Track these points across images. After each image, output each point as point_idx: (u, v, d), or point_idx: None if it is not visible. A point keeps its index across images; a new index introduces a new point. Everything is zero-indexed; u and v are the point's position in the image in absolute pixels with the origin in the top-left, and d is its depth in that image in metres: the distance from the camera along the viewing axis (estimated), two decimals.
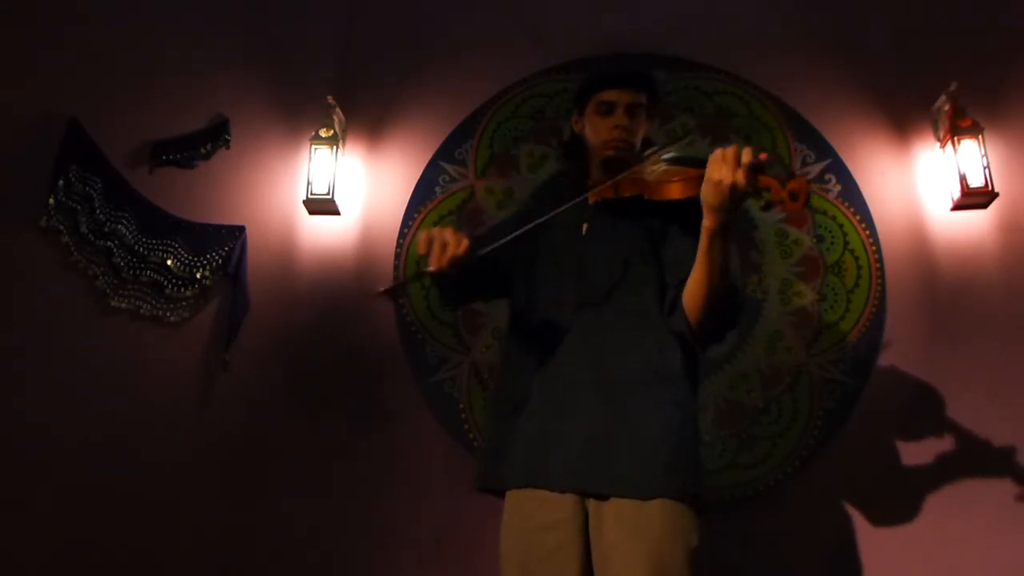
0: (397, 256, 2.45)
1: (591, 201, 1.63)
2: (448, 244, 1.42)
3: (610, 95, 1.64)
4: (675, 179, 1.49)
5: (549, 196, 1.71)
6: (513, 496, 1.53)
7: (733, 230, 1.39)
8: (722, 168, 1.33)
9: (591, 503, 1.45)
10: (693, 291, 1.45)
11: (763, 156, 1.36)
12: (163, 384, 2.37)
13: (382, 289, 1.59)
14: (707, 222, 1.38)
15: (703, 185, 1.37)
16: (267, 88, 2.63)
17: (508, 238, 1.52)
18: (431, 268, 1.42)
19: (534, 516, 1.47)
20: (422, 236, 1.45)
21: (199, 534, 2.27)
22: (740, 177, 1.32)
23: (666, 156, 1.57)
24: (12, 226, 2.50)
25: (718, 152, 1.35)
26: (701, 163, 1.46)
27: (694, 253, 1.45)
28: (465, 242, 1.43)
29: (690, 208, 1.52)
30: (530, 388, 1.56)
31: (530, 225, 1.54)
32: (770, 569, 2.19)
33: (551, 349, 1.56)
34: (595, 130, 1.66)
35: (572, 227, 1.66)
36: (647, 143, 1.71)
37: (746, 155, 1.33)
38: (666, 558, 1.37)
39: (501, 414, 1.60)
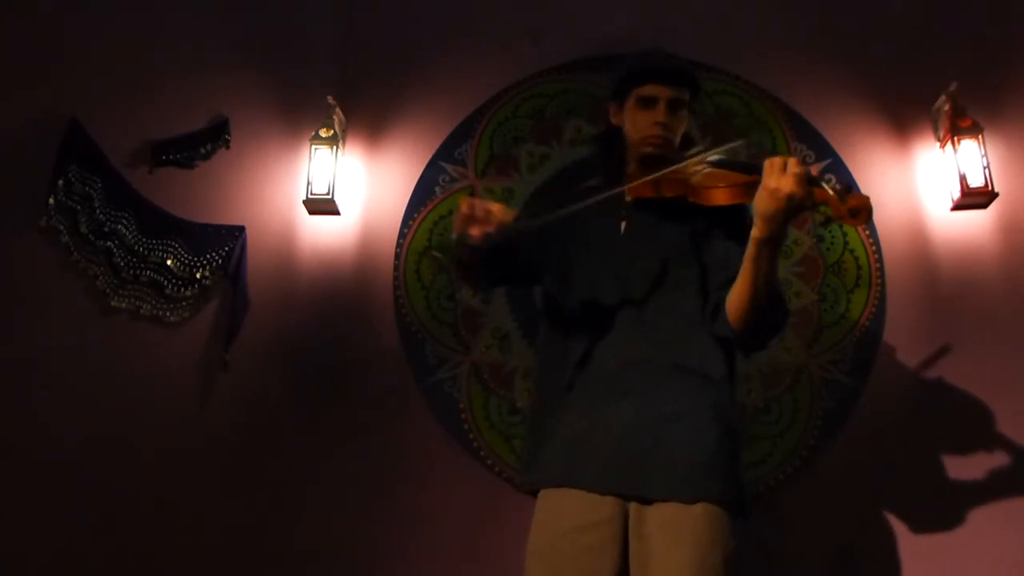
0: (397, 256, 2.45)
1: (629, 198, 1.61)
2: (493, 212, 1.41)
3: (652, 90, 1.61)
4: (721, 184, 1.47)
5: (579, 184, 1.69)
6: (549, 495, 1.50)
7: (781, 242, 1.38)
8: (779, 177, 1.32)
9: (632, 505, 1.44)
10: (737, 298, 1.44)
11: (814, 171, 1.35)
12: (163, 384, 2.37)
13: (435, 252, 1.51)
14: (757, 232, 1.36)
15: (759, 193, 1.35)
16: (267, 88, 2.63)
17: (552, 216, 1.50)
18: (476, 233, 1.40)
19: (571, 516, 1.46)
20: (463, 204, 1.43)
21: (199, 534, 2.27)
22: (798, 188, 1.30)
23: (711, 159, 1.54)
24: (12, 226, 2.50)
25: (774, 160, 1.34)
26: (746, 168, 1.46)
27: (737, 258, 1.44)
28: (512, 212, 1.43)
29: (732, 212, 1.53)
30: (569, 387, 1.55)
31: (571, 208, 1.51)
32: (770, 569, 2.19)
33: (590, 348, 1.54)
34: (635, 124, 1.64)
35: (609, 223, 1.64)
36: (687, 141, 1.68)
37: (801, 167, 1.32)
38: (707, 563, 1.37)
39: (542, 415, 1.58)
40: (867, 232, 2.38)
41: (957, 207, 2.39)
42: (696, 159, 1.55)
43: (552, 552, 1.45)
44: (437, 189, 2.50)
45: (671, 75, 1.63)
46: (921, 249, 2.39)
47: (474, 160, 2.53)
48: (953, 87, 2.37)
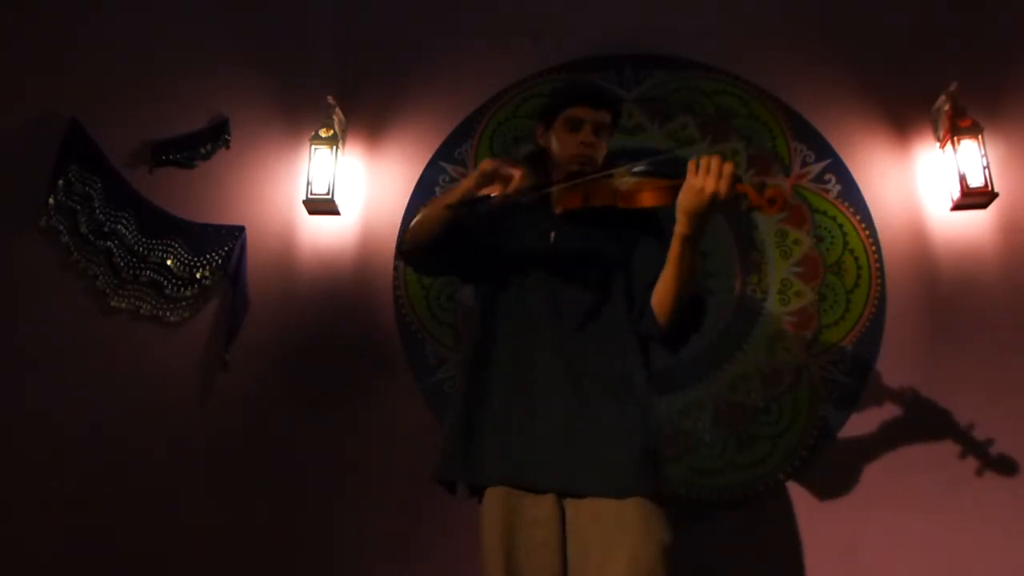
0: (397, 256, 2.45)
1: (558, 211, 1.71)
2: (515, 175, 1.49)
3: (579, 112, 1.71)
4: (647, 188, 1.55)
5: (520, 207, 1.75)
6: (495, 492, 1.55)
7: (702, 238, 1.47)
8: (704, 177, 1.41)
9: (568, 502, 1.51)
10: (663, 295, 1.54)
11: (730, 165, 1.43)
12: (163, 384, 2.37)
13: (453, 202, 1.56)
14: (681, 228, 1.46)
15: (682, 192, 1.44)
16: (267, 88, 2.63)
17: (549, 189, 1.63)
18: (509, 190, 1.49)
19: (521, 512, 1.51)
20: (487, 164, 1.51)
21: (199, 533, 2.27)
22: (722, 186, 1.40)
23: (636, 170, 1.63)
24: (12, 226, 2.50)
25: (700, 160, 1.42)
26: (668, 174, 1.57)
27: (660, 260, 1.54)
28: (527, 178, 1.52)
29: (651, 222, 1.66)
30: (498, 382, 1.61)
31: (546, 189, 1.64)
32: (769, 569, 2.19)
33: (524, 351, 1.61)
34: (562, 144, 1.72)
35: (539, 234, 1.71)
36: (608, 163, 1.76)
37: (728, 166, 1.41)
38: (642, 553, 1.42)
39: (468, 406, 1.63)
40: (867, 232, 2.38)
41: (957, 207, 2.39)
42: (620, 172, 1.63)
43: (508, 547, 1.50)
44: (437, 189, 2.50)
45: (597, 99, 1.73)
46: (921, 249, 2.39)
47: (474, 160, 2.53)
48: (953, 87, 2.37)
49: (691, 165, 1.43)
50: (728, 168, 1.41)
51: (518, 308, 1.65)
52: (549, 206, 1.73)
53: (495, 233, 1.72)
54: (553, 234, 1.70)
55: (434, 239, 1.63)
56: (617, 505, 1.46)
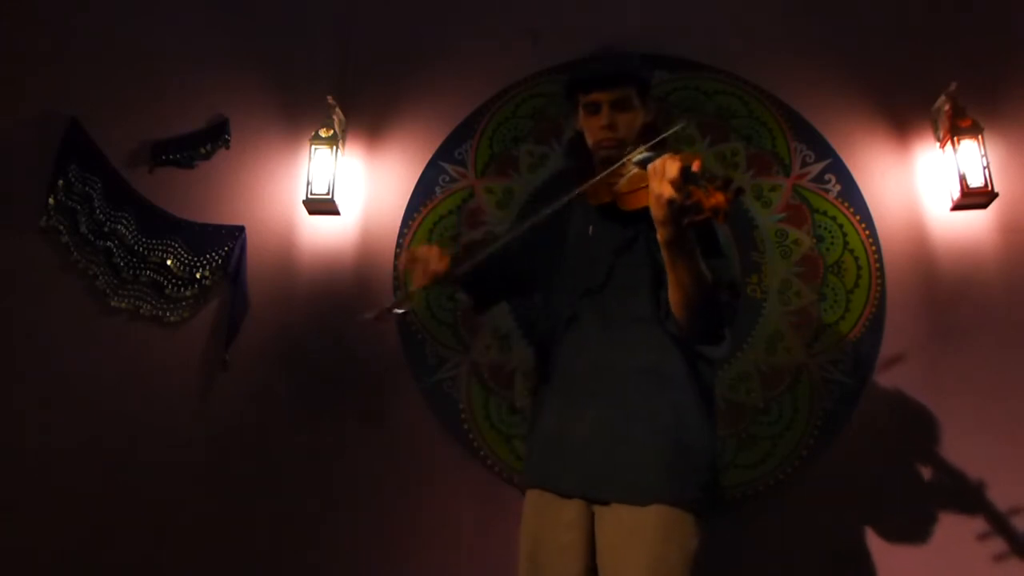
0: (397, 256, 2.45)
1: (593, 204, 1.65)
2: (430, 261, 1.56)
3: (592, 96, 1.66)
4: (642, 186, 1.44)
5: (552, 196, 1.73)
6: (532, 494, 1.57)
7: (689, 239, 1.33)
8: (659, 182, 1.29)
9: (596, 506, 1.49)
10: (673, 299, 1.43)
11: (695, 166, 1.28)
12: (163, 384, 2.38)
13: (369, 316, 1.61)
14: (659, 236, 1.34)
15: (649, 198, 1.33)
16: (267, 88, 2.63)
17: (493, 247, 1.61)
18: (413, 287, 1.59)
19: (549, 514, 1.52)
20: (403, 257, 1.58)
21: (199, 534, 2.27)
22: (675, 192, 1.26)
23: (636, 159, 1.54)
24: (12, 226, 2.50)
25: (655, 164, 1.32)
26: None
27: None
28: (446, 259, 1.57)
29: None
30: (548, 390, 1.62)
31: (512, 234, 1.64)
32: (769, 569, 2.19)
33: (564, 351, 1.60)
34: (588, 131, 1.70)
35: (582, 229, 1.68)
36: (652, 131, 1.67)
37: (673, 169, 1.27)
38: (661, 563, 1.39)
39: (533, 414, 1.68)
40: (867, 232, 2.38)
41: (957, 207, 2.39)
42: (627, 163, 1.55)
43: (534, 549, 1.51)
44: (437, 189, 2.50)
45: (605, 81, 1.64)
46: (921, 249, 2.39)
47: (474, 160, 2.53)
48: (953, 87, 2.37)
49: (650, 169, 1.33)
50: (672, 171, 1.26)
51: (563, 306, 1.64)
52: (587, 200, 1.66)
53: (549, 233, 1.71)
54: (591, 229, 1.66)
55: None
56: (638, 513, 1.42)
